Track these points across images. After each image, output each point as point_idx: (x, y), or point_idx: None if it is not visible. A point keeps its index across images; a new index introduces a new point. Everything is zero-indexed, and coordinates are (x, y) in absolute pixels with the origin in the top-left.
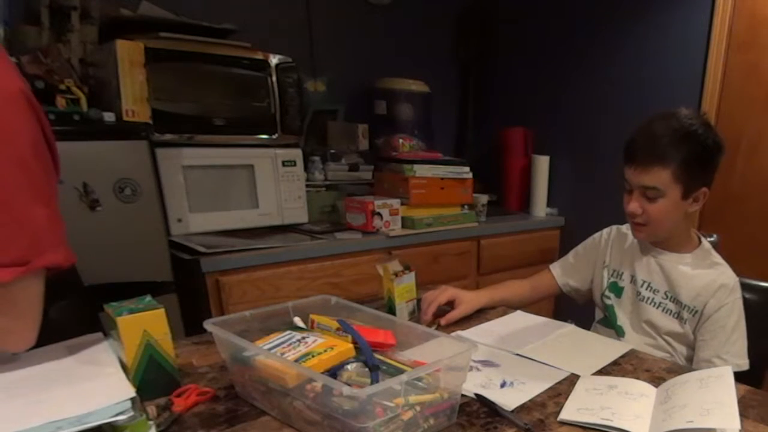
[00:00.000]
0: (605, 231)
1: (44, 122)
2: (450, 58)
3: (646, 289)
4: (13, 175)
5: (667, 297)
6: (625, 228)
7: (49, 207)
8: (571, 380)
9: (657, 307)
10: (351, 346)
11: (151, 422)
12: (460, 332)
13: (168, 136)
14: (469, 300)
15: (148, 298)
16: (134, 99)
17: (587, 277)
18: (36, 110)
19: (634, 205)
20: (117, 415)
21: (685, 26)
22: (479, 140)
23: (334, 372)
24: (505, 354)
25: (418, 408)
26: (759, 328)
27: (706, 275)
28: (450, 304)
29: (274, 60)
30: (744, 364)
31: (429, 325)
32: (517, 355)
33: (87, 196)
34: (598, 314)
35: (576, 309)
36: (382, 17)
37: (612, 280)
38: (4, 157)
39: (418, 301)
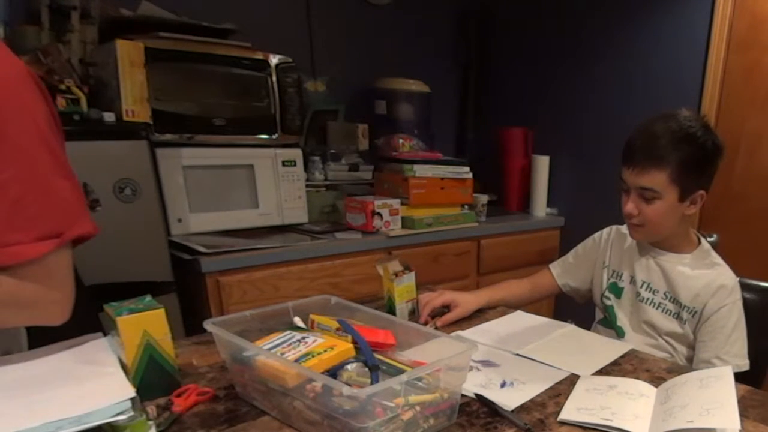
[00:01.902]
0: (605, 231)
1: (50, 101)
2: (450, 58)
3: (646, 289)
4: (37, 149)
5: (666, 297)
6: (625, 228)
7: (70, 179)
8: (571, 380)
9: (657, 308)
10: (351, 346)
11: (151, 422)
12: (460, 332)
13: (168, 136)
14: (465, 302)
15: (148, 298)
16: (134, 99)
17: (587, 277)
18: (42, 90)
19: (630, 207)
20: (117, 415)
21: (685, 26)
22: (479, 140)
23: (334, 372)
24: (505, 354)
25: (418, 408)
26: (759, 328)
27: (706, 276)
28: (447, 307)
29: (274, 60)
30: (744, 364)
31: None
32: (517, 355)
33: (87, 196)
34: (598, 314)
35: (576, 309)
36: (382, 17)
37: (612, 280)
38: (27, 132)
39: (419, 301)
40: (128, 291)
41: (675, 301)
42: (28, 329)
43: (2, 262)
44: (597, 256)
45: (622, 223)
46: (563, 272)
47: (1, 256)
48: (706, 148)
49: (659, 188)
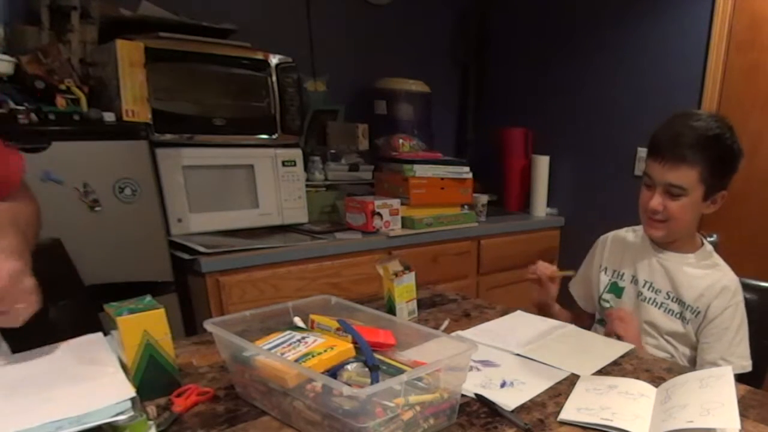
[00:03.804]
0: (601, 238)
1: None
2: (450, 58)
3: (648, 289)
4: None
5: (669, 297)
6: (624, 231)
7: None
8: (571, 380)
9: (659, 308)
10: (351, 346)
11: (151, 422)
12: (460, 332)
13: (168, 136)
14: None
15: (148, 298)
16: (134, 99)
17: (591, 284)
18: None
19: (656, 202)
20: (117, 415)
21: (685, 26)
22: (479, 140)
23: (334, 372)
24: (505, 354)
25: (418, 408)
26: (759, 328)
27: (709, 276)
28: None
29: (274, 60)
30: (748, 365)
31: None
32: (517, 355)
33: (87, 196)
34: (598, 314)
35: (576, 309)
36: (382, 17)
37: (612, 280)
38: None
39: (419, 301)
40: (128, 291)
41: (678, 301)
42: (27, 329)
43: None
44: (594, 262)
45: (621, 225)
46: (576, 287)
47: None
48: (733, 150)
49: (688, 185)
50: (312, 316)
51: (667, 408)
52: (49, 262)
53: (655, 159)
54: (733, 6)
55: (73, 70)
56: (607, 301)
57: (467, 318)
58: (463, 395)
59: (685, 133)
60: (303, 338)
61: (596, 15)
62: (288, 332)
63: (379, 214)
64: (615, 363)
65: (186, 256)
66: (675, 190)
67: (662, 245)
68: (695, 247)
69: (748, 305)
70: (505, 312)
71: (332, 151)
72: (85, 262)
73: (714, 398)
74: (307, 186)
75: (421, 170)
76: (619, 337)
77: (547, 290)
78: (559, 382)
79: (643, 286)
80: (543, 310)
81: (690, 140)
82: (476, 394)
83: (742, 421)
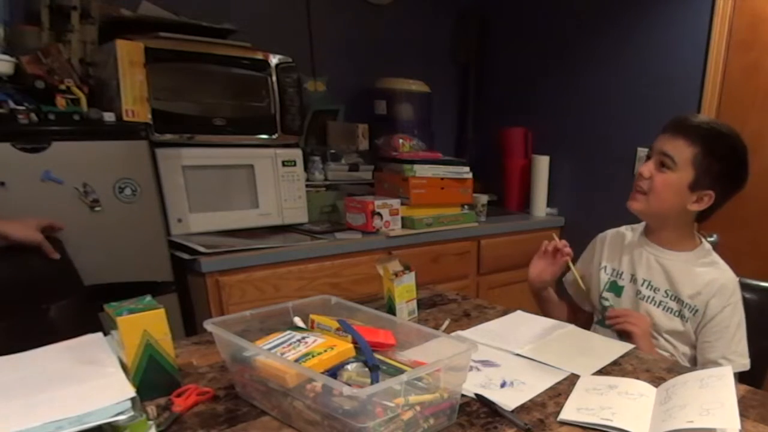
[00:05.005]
0: (599, 236)
1: None
2: (450, 58)
3: (647, 287)
4: None
5: (667, 295)
6: (624, 228)
7: None
8: (571, 380)
9: (658, 306)
10: (351, 346)
11: (151, 422)
12: (460, 332)
13: (168, 136)
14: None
15: (148, 298)
16: (134, 99)
17: (592, 281)
18: None
19: (646, 168)
20: (117, 415)
21: (685, 26)
22: (479, 140)
23: (334, 372)
24: (505, 354)
25: (418, 408)
26: (759, 328)
27: (707, 274)
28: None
29: (274, 60)
30: (747, 363)
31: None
32: (517, 355)
33: (87, 196)
34: (598, 315)
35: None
36: (382, 17)
37: (612, 279)
38: None
39: (419, 301)
40: (128, 291)
41: (676, 299)
42: (28, 328)
43: None
44: (593, 260)
45: (621, 224)
46: (572, 287)
47: None
48: (737, 151)
49: (679, 159)
50: (312, 316)
51: (667, 408)
52: (49, 262)
53: (662, 133)
54: (733, 6)
55: (73, 70)
56: (607, 300)
57: (467, 318)
58: (463, 395)
59: (696, 118)
60: (303, 338)
61: (596, 15)
62: (288, 332)
63: (379, 214)
64: (615, 363)
65: (186, 256)
66: (666, 160)
67: (660, 243)
68: (694, 245)
69: (748, 305)
70: (505, 312)
71: (332, 151)
72: (85, 262)
73: (714, 398)
74: (307, 186)
75: (421, 170)
76: (628, 335)
77: (556, 267)
78: (559, 382)
79: (642, 285)
80: (538, 294)
81: (696, 123)
82: (476, 394)
83: (742, 421)
